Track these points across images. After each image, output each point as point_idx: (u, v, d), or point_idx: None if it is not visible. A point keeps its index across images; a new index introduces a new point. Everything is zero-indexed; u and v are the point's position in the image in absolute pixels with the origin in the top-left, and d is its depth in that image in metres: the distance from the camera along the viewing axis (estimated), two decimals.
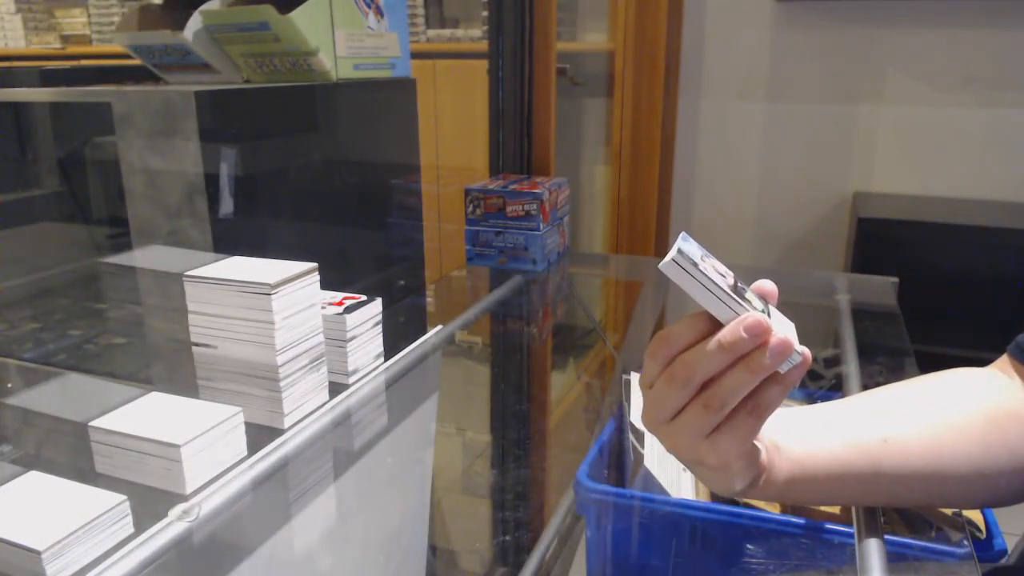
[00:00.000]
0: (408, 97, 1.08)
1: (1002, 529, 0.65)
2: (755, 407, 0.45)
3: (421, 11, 2.36)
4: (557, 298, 1.28)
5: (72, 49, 3.10)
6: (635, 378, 0.83)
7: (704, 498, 0.69)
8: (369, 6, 0.97)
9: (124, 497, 0.52)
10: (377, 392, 0.78)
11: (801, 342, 0.44)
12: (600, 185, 2.43)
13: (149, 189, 0.76)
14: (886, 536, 0.56)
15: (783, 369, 0.43)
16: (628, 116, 2.20)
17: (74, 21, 3.11)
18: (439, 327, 0.97)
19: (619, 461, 0.77)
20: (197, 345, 0.68)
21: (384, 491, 0.76)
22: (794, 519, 0.60)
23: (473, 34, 2.36)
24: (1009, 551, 0.66)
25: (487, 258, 1.27)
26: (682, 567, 0.65)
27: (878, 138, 2.15)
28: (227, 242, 0.76)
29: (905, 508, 0.63)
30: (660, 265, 0.42)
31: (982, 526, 0.64)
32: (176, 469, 0.57)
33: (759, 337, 0.42)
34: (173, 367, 0.78)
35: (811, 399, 0.83)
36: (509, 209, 1.23)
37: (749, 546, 0.62)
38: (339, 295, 0.78)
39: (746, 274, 0.46)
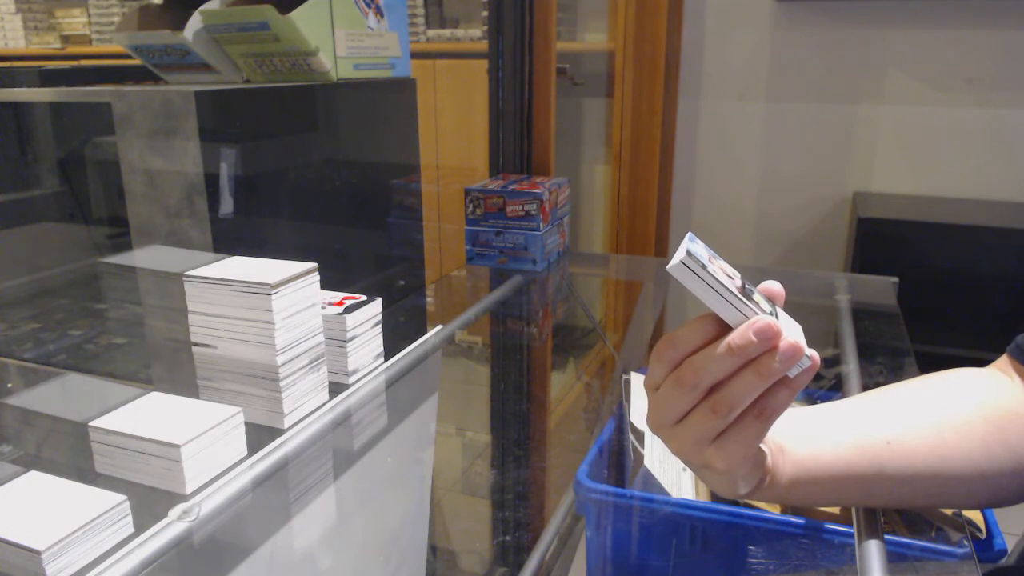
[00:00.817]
0: (408, 97, 1.08)
1: (1002, 529, 0.65)
2: (762, 411, 0.44)
3: (421, 11, 2.36)
4: (557, 298, 1.28)
5: (72, 49, 3.10)
6: (635, 378, 0.83)
7: (704, 498, 0.69)
8: (369, 6, 0.97)
9: (124, 497, 0.52)
10: (377, 392, 0.78)
11: (802, 329, 0.44)
12: (600, 185, 2.43)
13: (149, 189, 0.76)
14: (886, 536, 0.56)
15: (792, 373, 0.43)
16: (628, 116, 2.20)
17: (74, 21, 3.11)
18: (439, 327, 0.97)
19: (619, 461, 0.77)
20: (197, 345, 0.68)
21: (384, 491, 0.76)
22: (794, 519, 0.60)
23: (473, 34, 2.36)
24: (1009, 551, 0.66)
25: (487, 258, 1.27)
26: (682, 567, 0.65)
27: (878, 138, 2.15)
28: (227, 242, 0.76)
29: (906, 508, 0.63)
30: (668, 267, 0.41)
31: (982, 526, 0.64)
32: (176, 469, 0.57)
33: (769, 341, 0.41)
34: (173, 367, 0.78)
35: (811, 399, 0.83)
36: (509, 209, 1.23)
37: (749, 546, 0.62)
38: (339, 295, 0.78)
39: (746, 274, 0.46)
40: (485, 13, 2.21)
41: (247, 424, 0.64)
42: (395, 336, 0.86)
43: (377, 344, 0.80)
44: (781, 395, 0.44)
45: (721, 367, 0.42)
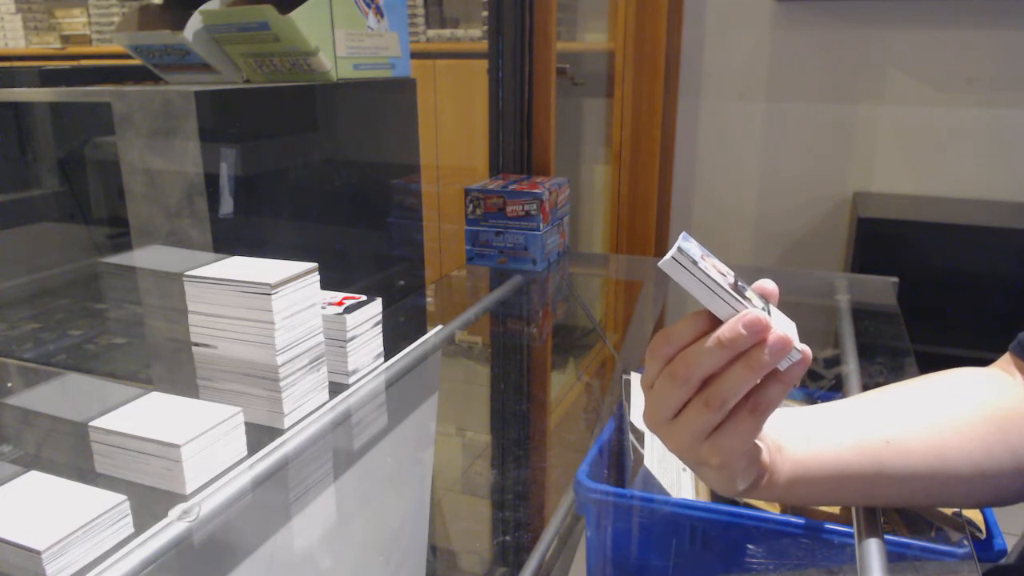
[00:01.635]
0: (408, 97, 1.08)
1: (1002, 529, 0.65)
2: (756, 406, 0.44)
3: (421, 11, 2.36)
4: (557, 298, 1.28)
5: (72, 49, 3.10)
6: (635, 378, 0.83)
7: (704, 498, 0.69)
8: (369, 6, 0.97)
9: (124, 497, 0.52)
10: (377, 392, 0.78)
11: (801, 342, 0.44)
12: (600, 185, 2.43)
13: (149, 189, 0.76)
14: (886, 536, 0.56)
15: (783, 367, 0.43)
16: (628, 116, 2.20)
17: (74, 21, 3.11)
18: (439, 327, 0.97)
19: (619, 461, 0.77)
20: (197, 345, 0.68)
21: (384, 491, 0.76)
22: (794, 519, 0.60)
23: (473, 34, 2.36)
24: (1009, 550, 0.66)
25: (487, 258, 1.27)
26: (682, 567, 0.65)
27: (878, 138, 2.15)
28: (227, 242, 0.76)
29: (906, 508, 0.63)
30: (660, 263, 0.42)
31: (982, 526, 0.64)
32: (176, 469, 0.57)
33: (758, 334, 0.42)
34: (173, 367, 0.78)
35: (811, 399, 0.83)
36: (509, 209, 1.23)
37: (749, 546, 0.62)
38: (339, 295, 0.78)
39: (746, 274, 0.46)
40: (485, 13, 2.21)
41: (247, 424, 0.64)
42: (395, 336, 0.86)
43: (377, 344, 0.80)
44: (774, 389, 0.44)
45: (712, 360, 0.43)
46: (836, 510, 0.64)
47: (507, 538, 0.79)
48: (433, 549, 0.84)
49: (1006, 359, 0.61)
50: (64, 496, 0.52)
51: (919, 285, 1.47)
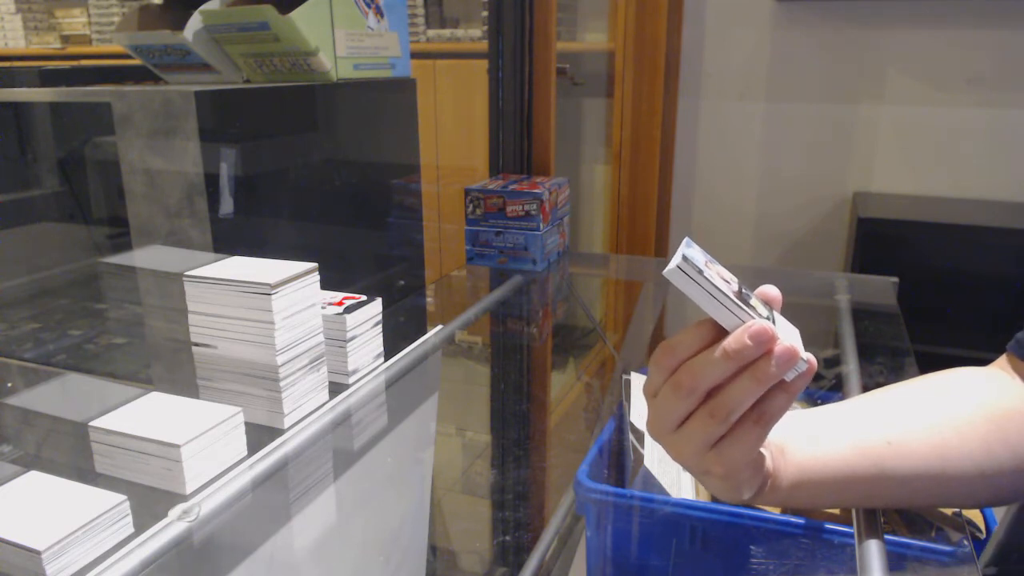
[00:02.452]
0: (408, 97, 1.08)
1: None
2: (761, 416, 0.44)
3: (421, 11, 2.36)
4: (557, 298, 1.28)
5: (72, 49, 3.10)
6: (635, 378, 0.83)
7: (704, 498, 0.69)
8: (369, 6, 0.97)
9: (124, 497, 0.52)
10: (377, 392, 0.78)
11: (802, 342, 0.44)
12: (600, 185, 2.43)
13: (149, 189, 0.76)
14: (886, 536, 0.56)
15: (789, 377, 0.43)
16: (628, 116, 2.20)
17: (74, 21, 3.11)
18: (439, 327, 0.97)
19: (619, 461, 0.77)
20: (197, 345, 0.68)
21: (384, 491, 0.76)
22: (794, 519, 0.60)
23: (473, 34, 2.36)
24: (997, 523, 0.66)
25: (487, 258, 1.27)
26: (682, 567, 0.65)
27: (878, 138, 2.15)
28: (227, 242, 0.76)
29: (907, 508, 0.63)
30: (665, 272, 0.41)
31: (982, 526, 0.64)
32: (176, 469, 0.57)
33: (764, 345, 0.41)
34: (173, 367, 0.78)
35: (811, 399, 0.83)
36: (509, 209, 1.23)
37: (749, 546, 0.62)
38: (339, 295, 0.78)
39: (746, 274, 0.46)
40: (485, 13, 2.21)
41: (247, 424, 0.64)
42: (395, 336, 0.86)
43: (377, 344, 0.80)
44: (779, 399, 0.44)
45: (718, 371, 0.42)
46: (836, 510, 0.64)
47: (507, 538, 0.79)
48: (433, 549, 0.84)
49: (1004, 359, 0.61)
50: (64, 496, 0.52)
51: (919, 285, 1.47)
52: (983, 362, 0.62)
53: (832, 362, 0.90)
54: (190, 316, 0.68)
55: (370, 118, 1.00)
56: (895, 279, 1.18)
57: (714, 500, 0.68)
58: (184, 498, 0.58)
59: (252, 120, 0.82)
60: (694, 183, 2.38)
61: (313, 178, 0.91)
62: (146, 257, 0.78)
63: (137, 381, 0.81)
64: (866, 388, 0.81)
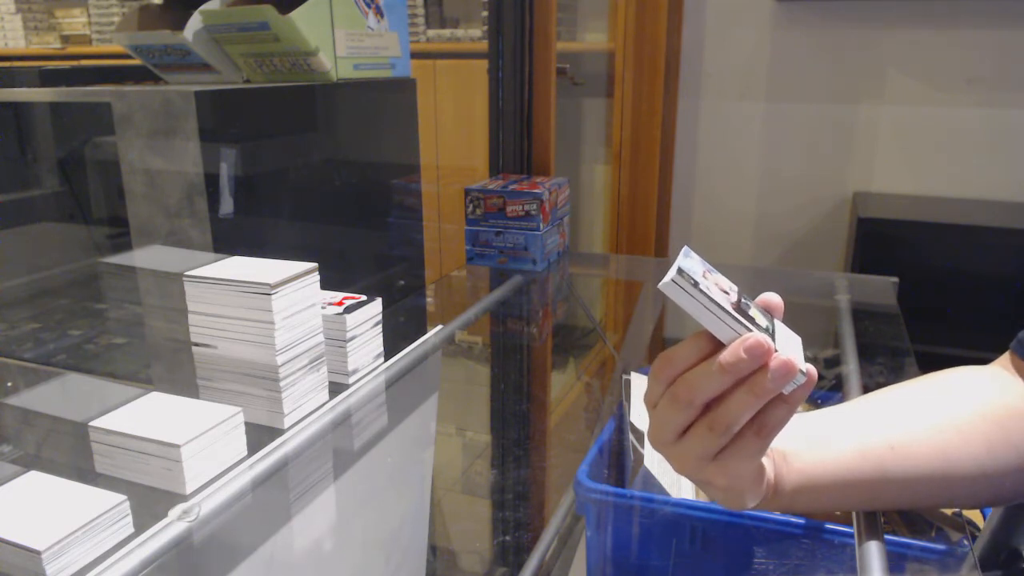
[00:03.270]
0: (408, 97, 1.08)
1: None
2: (762, 428, 0.44)
3: (421, 11, 2.36)
4: (557, 298, 1.28)
5: (72, 49, 3.10)
6: (635, 378, 0.83)
7: (704, 498, 0.69)
8: (369, 6, 0.97)
9: (124, 497, 0.52)
10: (377, 392, 0.78)
11: (802, 342, 0.44)
12: (600, 185, 2.43)
13: (149, 189, 0.76)
14: (886, 536, 0.55)
15: (787, 390, 0.42)
16: (628, 116, 2.20)
17: (74, 21, 3.11)
18: (439, 327, 0.97)
19: (619, 461, 0.77)
20: (197, 345, 0.68)
21: (384, 491, 0.76)
22: (794, 519, 0.60)
23: (473, 34, 2.36)
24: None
25: (487, 258, 1.27)
26: (682, 567, 0.65)
27: (878, 138, 2.15)
28: (227, 242, 0.76)
29: (909, 509, 0.63)
30: (660, 285, 0.40)
31: (982, 526, 0.64)
32: (176, 469, 0.57)
33: (760, 359, 0.41)
34: (173, 367, 0.78)
35: (812, 400, 0.83)
36: (509, 209, 1.23)
37: (749, 547, 0.62)
38: (339, 295, 0.78)
39: (746, 274, 0.46)
40: (485, 13, 2.21)
41: (247, 424, 0.64)
42: (395, 336, 0.86)
43: (377, 344, 0.80)
44: (780, 411, 0.43)
45: (714, 384, 0.42)
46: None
47: (507, 538, 0.79)
48: (433, 549, 0.84)
49: (1006, 358, 0.61)
50: (64, 496, 0.52)
51: (919, 285, 1.47)
52: (984, 362, 0.62)
53: (832, 362, 0.90)
54: (190, 316, 0.68)
55: (370, 118, 1.00)
56: (895, 279, 1.18)
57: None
58: (184, 498, 0.58)
59: (252, 120, 0.82)
60: (694, 183, 2.38)
61: (313, 178, 0.91)
62: (146, 257, 0.78)
63: (137, 381, 0.81)
64: (866, 388, 0.81)
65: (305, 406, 0.70)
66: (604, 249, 2.38)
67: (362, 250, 1.03)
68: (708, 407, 0.43)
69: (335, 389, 0.74)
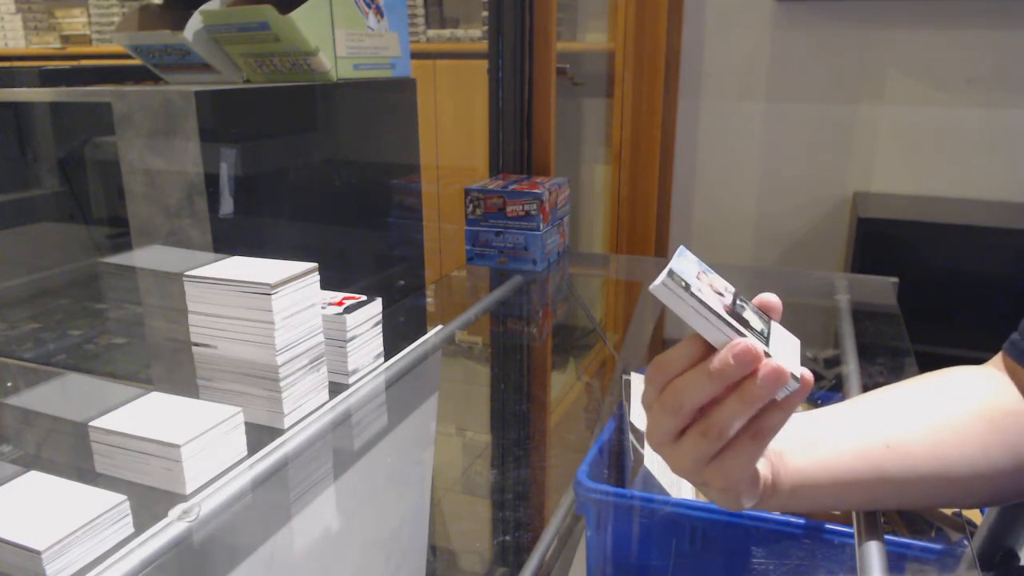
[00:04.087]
0: (408, 97, 1.08)
1: None
2: (757, 432, 0.44)
3: (421, 11, 2.36)
4: (557, 298, 1.28)
5: (72, 49, 3.10)
6: (635, 378, 0.83)
7: (704, 498, 0.69)
8: (369, 6, 0.97)
9: (124, 497, 0.52)
10: (377, 392, 0.78)
11: (802, 342, 0.43)
12: (600, 185, 2.43)
13: (149, 189, 0.76)
14: (886, 536, 0.56)
15: (780, 396, 0.41)
16: (628, 116, 2.20)
17: (74, 21, 3.11)
18: (439, 327, 0.97)
19: (619, 461, 0.77)
20: (197, 345, 0.68)
21: (384, 491, 0.76)
22: (794, 519, 0.60)
23: (473, 34, 2.36)
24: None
25: (487, 258, 1.27)
26: (682, 567, 0.65)
27: (878, 138, 2.15)
28: (227, 242, 0.76)
29: (906, 509, 0.63)
30: (651, 288, 0.39)
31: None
32: (176, 469, 0.57)
33: (749, 365, 0.40)
34: (173, 367, 0.78)
35: (812, 399, 0.83)
36: (509, 209, 1.23)
37: (749, 547, 0.62)
38: (339, 295, 0.78)
39: (746, 274, 0.46)
40: (485, 13, 2.21)
41: (247, 424, 0.64)
42: (395, 336, 0.86)
43: (377, 344, 0.80)
44: (774, 416, 0.43)
45: (703, 390, 0.42)
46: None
47: (507, 538, 0.79)
48: (433, 549, 0.84)
49: (999, 358, 0.61)
50: (64, 496, 0.52)
51: (919, 285, 1.47)
52: (983, 362, 0.62)
53: (832, 362, 0.90)
54: (190, 316, 0.68)
55: (370, 118, 1.00)
56: (895, 279, 1.18)
57: None
58: (184, 498, 0.58)
59: (252, 120, 0.82)
60: (694, 183, 2.38)
61: (313, 178, 0.91)
62: (146, 257, 0.78)
63: (137, 381, 0.81)
64: (866, 388, 0.81)
65: (305, 406, 0.70)
66: (604, 249, 2.38)
67: (362, 250, 1.03)
68: (702, 412, 0.43)
69: (335, 389, 0.75)
